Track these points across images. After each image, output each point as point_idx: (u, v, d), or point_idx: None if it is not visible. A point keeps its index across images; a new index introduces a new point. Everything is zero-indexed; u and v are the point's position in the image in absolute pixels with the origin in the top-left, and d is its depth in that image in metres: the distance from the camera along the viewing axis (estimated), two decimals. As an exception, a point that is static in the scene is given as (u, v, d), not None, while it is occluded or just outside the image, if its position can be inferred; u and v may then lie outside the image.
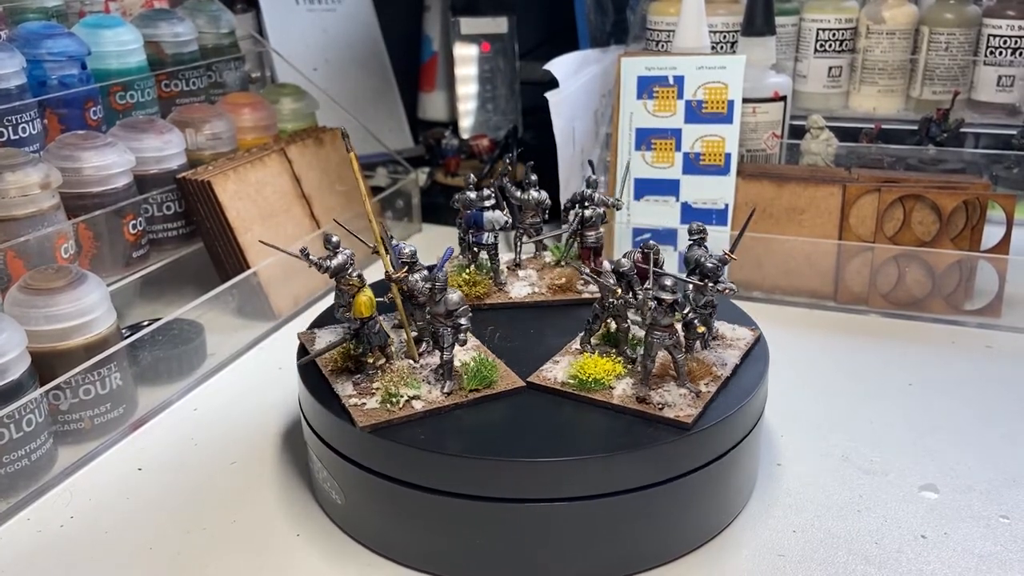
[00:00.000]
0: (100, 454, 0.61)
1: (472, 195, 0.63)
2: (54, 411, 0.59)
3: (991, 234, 0.78)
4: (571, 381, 0.51)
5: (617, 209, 0.66)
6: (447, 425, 0.49)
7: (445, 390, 0.51)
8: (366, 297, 0.51)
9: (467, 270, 0.65)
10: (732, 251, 0.54)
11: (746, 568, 0.49)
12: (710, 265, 0.53)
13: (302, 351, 0.57)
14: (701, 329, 0.52)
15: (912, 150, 0.91)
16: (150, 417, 0.65)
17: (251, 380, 0.71)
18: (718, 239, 0.79)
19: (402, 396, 0.50)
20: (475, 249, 0.64)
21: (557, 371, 0.53)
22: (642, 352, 0.51)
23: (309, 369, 0.54)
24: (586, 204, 0.64)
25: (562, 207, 0.67)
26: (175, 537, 0.52)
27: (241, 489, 0.57)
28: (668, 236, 0.85)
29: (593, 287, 0.64)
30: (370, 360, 0.52)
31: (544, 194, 0.66)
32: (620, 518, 0.47)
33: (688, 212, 0.85)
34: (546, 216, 0.67)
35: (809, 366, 0.71)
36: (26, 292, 0.59)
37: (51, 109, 0.76)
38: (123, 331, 0.67)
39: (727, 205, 0.84)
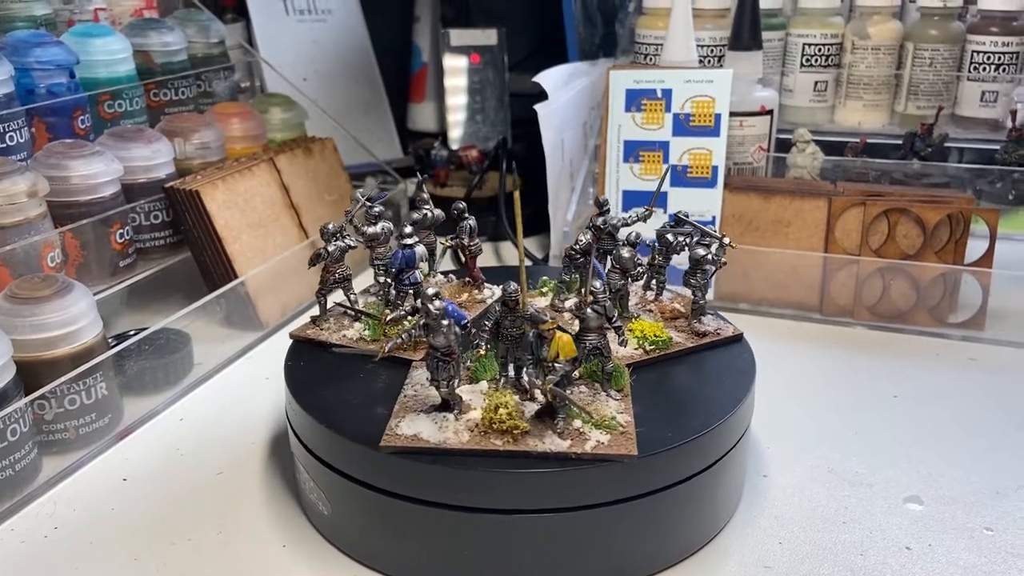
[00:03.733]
0: (85, 464, 0.60)
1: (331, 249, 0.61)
2: (39, 421, 0.59)
3: (975, 248, 0.79)
4: (651, 347, 0.57)
5: (645, 220, 0.66)
6: (657, 421, 0.49)
7: (616, 397, 0.51)
8: (569, 337, 0.48)
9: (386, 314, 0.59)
10: (651, 205, 0.64)
11: (732, 579, 0.49)
12: (683, 214, 0.61)
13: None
14: (724, 260, 0.59)
15: (897, 164, 0.92)
16: (136, 427, 0.65)
17: (238, 390, 0.71)
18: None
19: (612, 417, 0.48)
20: (408, 291, 0.60)
21: (621, 348, 0.56)
22: (692, 295, 0.59)
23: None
24: (466, 216, 0.65)
25: (409, 228, 0.62)
26: (160, 548, 0.52)
27: (227, 500, 0.56)
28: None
29: (492, 290, 0.66)
30: (568, 399, 0.48)
31: (390, 224, 0.63)
32: (606, 529, 0.47)
33: (675, 224, 0.86)
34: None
35: (795, 378, 0.71)
36: (12, 301, 0.59)
37: (39, 117, 0.75)
38: (109, 340, 0.66)
39: (714, 218, 0.84)
